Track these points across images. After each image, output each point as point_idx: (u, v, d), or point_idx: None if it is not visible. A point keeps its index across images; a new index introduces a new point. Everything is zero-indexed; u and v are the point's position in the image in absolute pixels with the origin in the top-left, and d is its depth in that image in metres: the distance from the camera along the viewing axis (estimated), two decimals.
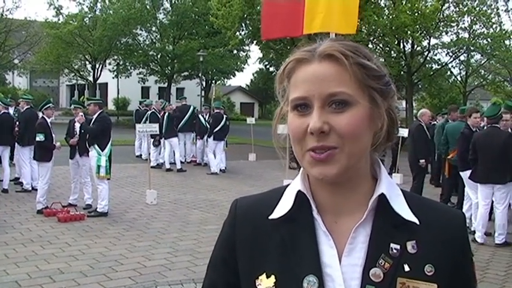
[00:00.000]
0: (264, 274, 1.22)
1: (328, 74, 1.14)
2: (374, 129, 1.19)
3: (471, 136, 9.41)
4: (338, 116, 1.13)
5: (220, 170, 17.11)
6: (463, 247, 1.25)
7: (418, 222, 1.20)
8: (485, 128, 9.70)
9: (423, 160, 11.27)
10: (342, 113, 1.13)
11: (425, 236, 1.20)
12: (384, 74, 1.20)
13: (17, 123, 13.08)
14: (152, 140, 17.00)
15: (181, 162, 17.57)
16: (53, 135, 10.71)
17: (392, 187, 1.24)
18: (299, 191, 1.25)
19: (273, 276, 1.21)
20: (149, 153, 15.57)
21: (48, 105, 11.03)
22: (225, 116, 17.32)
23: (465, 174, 9.64)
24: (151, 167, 14.69)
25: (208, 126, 17.41)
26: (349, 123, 1.12)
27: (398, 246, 1.18)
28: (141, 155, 19.71)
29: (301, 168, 1.26)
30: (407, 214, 1.21)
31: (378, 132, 1.20)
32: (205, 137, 17.51)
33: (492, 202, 8.95)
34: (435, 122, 15.49)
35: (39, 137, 10.40)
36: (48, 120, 10.71)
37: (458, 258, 1.23)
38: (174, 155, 17.42)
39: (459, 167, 9.84)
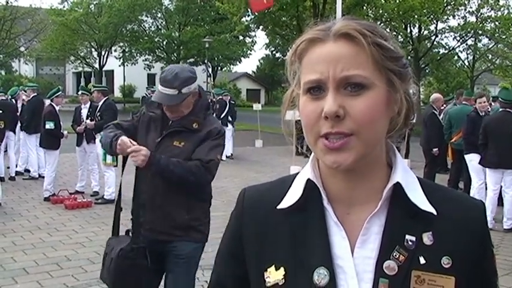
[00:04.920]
0: (273, 266, 1.17)
1: (343, 55, 1.07)
2: (391, 114, 1.13)
3: (478, 120, 9.36)
4: (354, 100, 1.06)
5: (227, 156, 17.12)
6: (482, 238, 1.18)
7: (435, 213, 1.14)
8: (497, 111, 9.61)
9: (436, 148, 11.18)
10: (358, 97, 1.06)
11: (443, 227, 1.14)
12: (401, 55, 1.13)
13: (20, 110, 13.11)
14: None
15: None
16: (61, 123, 10.71)
17: (408, 175, 1.18)
18: (308, 180, 1.19)
19: (282, 269, 1.16)
20: None
21: (58, 94, 11.01)
22: (230, 102, 17.31)
23: (469, 157, 9.61)
24: None
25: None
26: (365, 108, 1.05)
27: (413, 238, 1.12)
28: None
29: (311, 156, 1.20)
30: (423, 204, 1.14)
31: (395, 117, 1.14)
32: None
33: (501, 187, 8.92)
34: (442, 108, 15.38)
35: (49, 125, 10.37)
36: (57, 108, 10.70)
37: (478, 250, 1.17)
38: None
39: (464, 149, 9.80)
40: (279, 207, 1.21)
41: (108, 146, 3.69)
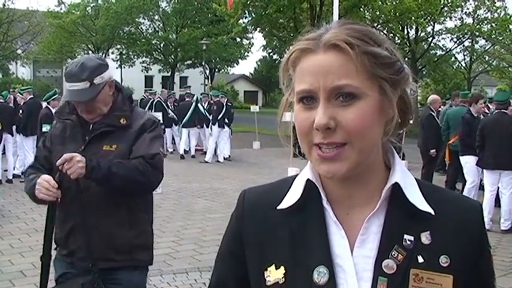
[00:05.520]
0: (273, 265, 1.19)
1: (333, 65, 1.07)
2: (385, 119, 1.13)
3: (473, 121, 9.46)
4: (345, 110, 1.07)
5: (224, 158, 17.14)
6: (480, 239, 1.20)
7: (433, 213, 1.15)
8: (493, 113, 9.68)
9: (433, 150, 11.20)
10: (349, 107, 1.07)
11: (440, 227, 1.15)
12: (395, 59, 1.13)
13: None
14: None
15: (186, 151, 18.06)
16: None
17: (406, 176, 1.19)
18: (308, 180, 1.20)
19: (282, 268, 1.17)
20: None
21: (55, 96, 11.02)
22: (227, 104, 17.34)
23: (464, 159, 9.69)
24: None
25: (208, 114, 17.45)
26: (356, 118, 1.06)
27: (412, 238, 1.14)
28: None
29: None
30: (421, 204, 1.16)
31: (390, 121, 1.14)
32: (210, 125, 17.47)
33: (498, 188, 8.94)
34: (439, 109, 15.42)
35: (46, 128, 10.34)
36: (53, 111, 10.69)
37: (475, 250, 1.18)
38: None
39: (459, 151, 9.86)
40: (278, 207, 1.22)
41: (32, 196, 3.00)
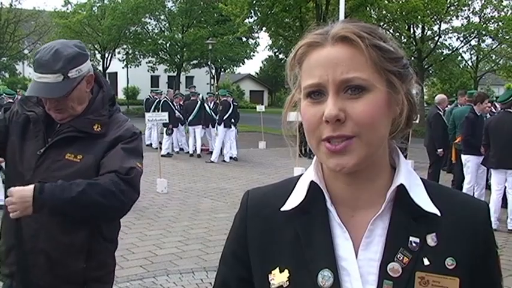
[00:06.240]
0: (277, 268, 1.18)
1: (342, 58, 1.07)
2: (393, 115, 1.13)
3: (476, 120, 9.44)
4: (354, 103, 1.06)
5: (231, 157, 17.14)
6: (486, 239, 1.18)
7: (439, 214, 1.14)
8: (498, 112, 9.67)
9: (441, 149, 11.18)
10: (358, 99, 1.06)
11: (446, 228, 1.14)
12: (401, 56, 1.13)
13: None
14: (165, 128, 17.16)
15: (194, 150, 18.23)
16: None
17: (411, 177, 1.18)
18: (312, 182, 1.19)
19: (286, 271, 1.16)
20: (160, 142, 15.59)
21: None
22: (233, 103, 17.34)
23: (466, 158, 9.71)
24: (162, 155, 14.70)
25: (214, 114, 17.48)
26: (366, 110, 1.05)
27: (417, 240, 1.12)
28: (151, 143, 19.70)
29: (314, 158, 1.20)
30: (427, 205, 1.14)
31: (397, 118, 1.14)
32: (216, 125, 17.50)
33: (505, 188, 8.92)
34: (446, 108, 15.39)
35: None
36: None
37: (481, 251, 1.17)
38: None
39: (462, 150, 9.86)
40: (282, 209, 1.21)
41: None
